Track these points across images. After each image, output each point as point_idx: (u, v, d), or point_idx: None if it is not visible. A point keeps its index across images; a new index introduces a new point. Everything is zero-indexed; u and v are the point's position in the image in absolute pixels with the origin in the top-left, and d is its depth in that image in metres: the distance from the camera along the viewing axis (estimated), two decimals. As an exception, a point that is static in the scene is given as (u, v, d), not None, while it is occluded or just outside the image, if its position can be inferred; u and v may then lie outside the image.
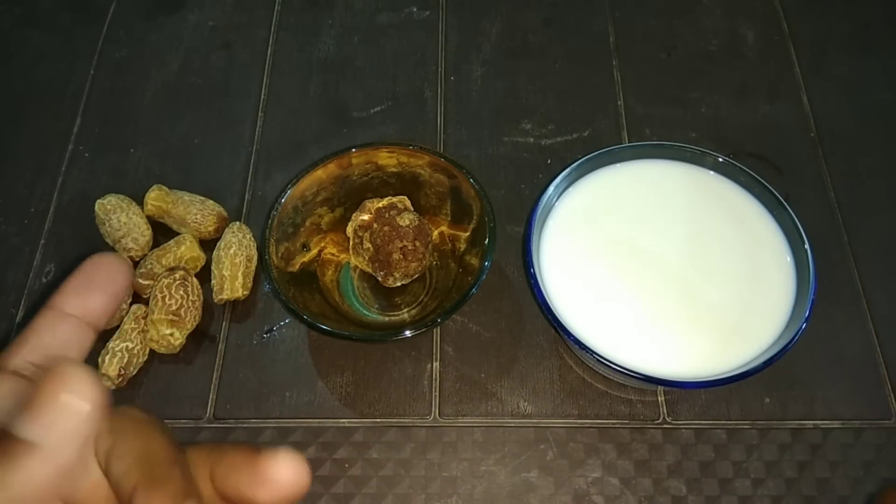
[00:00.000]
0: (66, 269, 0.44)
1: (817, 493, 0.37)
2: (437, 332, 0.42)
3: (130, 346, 0.39)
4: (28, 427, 0.16)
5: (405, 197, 0.40)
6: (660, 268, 0.37)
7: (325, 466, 0.38)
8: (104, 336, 0.40)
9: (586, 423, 0.39)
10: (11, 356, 0.20)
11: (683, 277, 0.37)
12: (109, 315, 0.22)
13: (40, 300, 0.43)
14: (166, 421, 0.39)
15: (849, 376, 0.40)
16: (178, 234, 0.44)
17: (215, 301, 0.41)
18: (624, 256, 0.38)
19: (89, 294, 0.21)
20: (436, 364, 0.41)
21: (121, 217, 0.42)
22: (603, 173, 0.40)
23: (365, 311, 0.41)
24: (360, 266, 0.41)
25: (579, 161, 0.39)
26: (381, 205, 0.39)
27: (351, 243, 0.40)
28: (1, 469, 0.16)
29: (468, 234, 0.40)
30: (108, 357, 0.38)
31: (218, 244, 0.42)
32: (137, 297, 0.42)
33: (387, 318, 0.41)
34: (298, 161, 0.47)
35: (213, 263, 0.42)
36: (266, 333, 0.42)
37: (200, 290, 0.41)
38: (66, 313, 0.21)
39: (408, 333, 0.35)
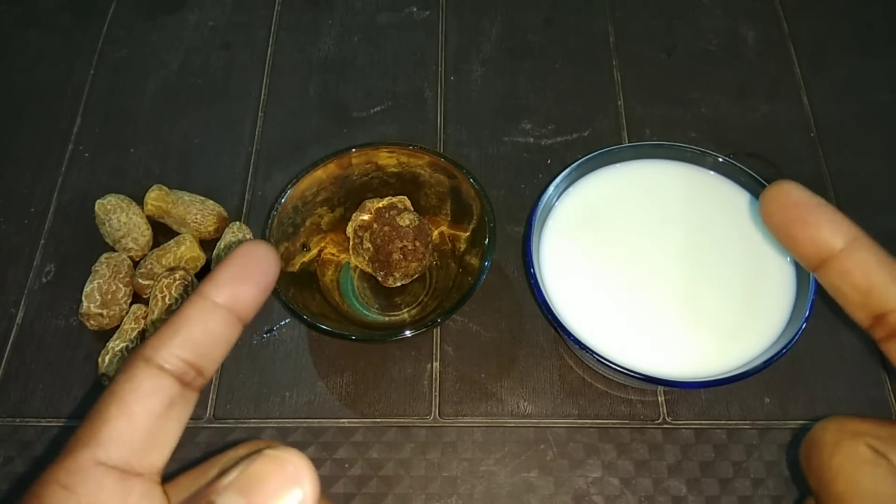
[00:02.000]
0: (66, 269, 0.44)
1: (817, 493, 0.37)
2: (437, 332, 0.42)
3: (130, 346, 0.39)
4: None
5: (405, 197, 0.40)
6: (660, 267, 0.37)
7: (325, 466, 0.38)
8: (104, 336, 0.40)
9: (586, 423, 0.39)
10: (160, 347, 0.18)
11: (683, 277, 0.37)
12: (257, 308, 0.20)
13: (40, 300, 0.43)
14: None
15: (849, 376, 0.40)
16: (178, 234, 0.44)
17: (215, 301, 0.41)
18: (624, 256, 0.38)
19: (243, 285, 0.19)
20: (436, 364, 0.41)
21: (121, 217, 0.42)
22: (603, 173, 0.40)
23: (365, 311, 0.41)
24: (360, 266, 0.41)
25: (579, 161, 0.39)
26: (381, 205, 0.40)
27: (351, 243, 0.41)
28: None
29: (468, 234, 0.40)
30: (108, 357, 0.38)
31: (218, 244, 0.42)
32: (137, 297, 0.42)
33: (387, 318, 0.41)
34: (298, 161, 0.47)
35: (213, 263, 0.42)
36: (266, 333, 0.42)
37: (200, 290, 0.41)
38: (217, 304, 0.19)
39: (408, 333, 0.35)
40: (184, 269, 0.40)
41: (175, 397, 0.18)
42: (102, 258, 0.41)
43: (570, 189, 0.40)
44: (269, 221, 0.38)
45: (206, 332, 0.19)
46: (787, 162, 0.47)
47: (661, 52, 0.53)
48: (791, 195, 0.20)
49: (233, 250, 0.20)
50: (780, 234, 0.21)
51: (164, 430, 0.18)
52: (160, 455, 0.18)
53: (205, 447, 0.38)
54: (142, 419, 0.18)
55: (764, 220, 0.21)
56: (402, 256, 0.38)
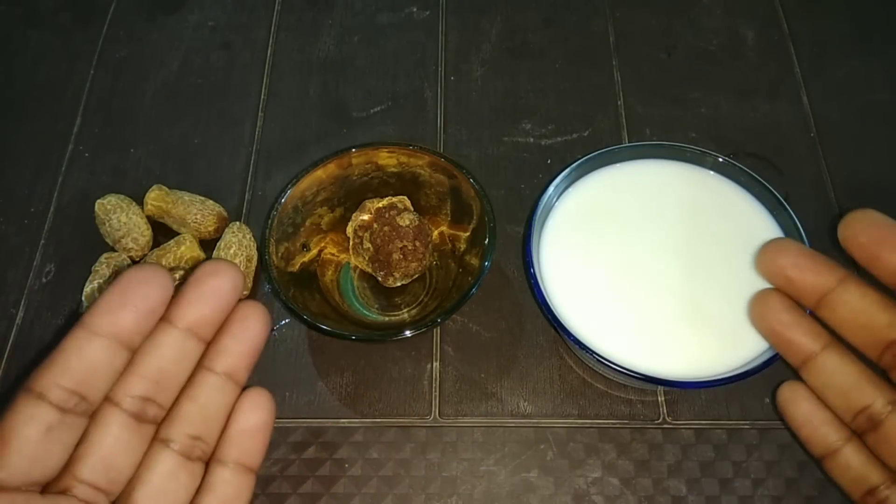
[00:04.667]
0: (66, 269, 0.44)
1: (817, 493, 0.37)
2: (437, 332, 0.42)
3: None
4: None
5: (405, 197, 0.40)
6: (660, 268, 0.37)
7: (325, 466, 0.38)
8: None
9: (586, 423, 0.39)
10: (40, 378, 0.20)
11: (683, 277, 0.37)
12: (144, 333, 0.21)
13: (40, 300, 0.43)
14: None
15: (849, 376, 0.40)
16: (178, 234, 0.44)
17: (215, 301, 0.41)
18: (624, 256, 0.38)
19: (120, 312, 0.20)
20: (436, 364, 0.41)
21: (121, 217, 0.42)
22: (603, 173, 0.40)
23: (365, 311, 0.41)
24: (360, 266, 0.41)
25: (579, 161, 0.39)
26: (381, 205, 0.40)
27: (351, 243, 0.41)
28: None
29: (468, 234, 0.40)
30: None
31: (218, 244, 0.42)
32: (137, 297, 0.42)
33: (387, 318, 0.41)
34: (298, 161, 0.47)
35: (213, 263, 0.42)
36: (266, 333, 0.42)
37: (200, 290, 0.41)
38: (95, 333, 0.20)
39: (408, 333, 0.35)
40: (184, 269, 0.40)
41: (54, 423, 0.20)
42: (102, 258, 0.41)
43: (570, 189, 0.40)
44: (269, 221, 0.38)
45: (82, 361, 0.20)
46: (787, 162, 0.47)
47: (661, 52, 0.53)
48: (876, 219, 0.23)
49: (117, 277, 0.21)
50: (862, 253, 0.23)
51: (44, 451, 0.20)
52: (41, 472, 0.20)
53: (205, 447, 0.38)
54: (18, 444, 0.19)
55: (845, 241, 0.23)
56: (402, 256, 0.38)
